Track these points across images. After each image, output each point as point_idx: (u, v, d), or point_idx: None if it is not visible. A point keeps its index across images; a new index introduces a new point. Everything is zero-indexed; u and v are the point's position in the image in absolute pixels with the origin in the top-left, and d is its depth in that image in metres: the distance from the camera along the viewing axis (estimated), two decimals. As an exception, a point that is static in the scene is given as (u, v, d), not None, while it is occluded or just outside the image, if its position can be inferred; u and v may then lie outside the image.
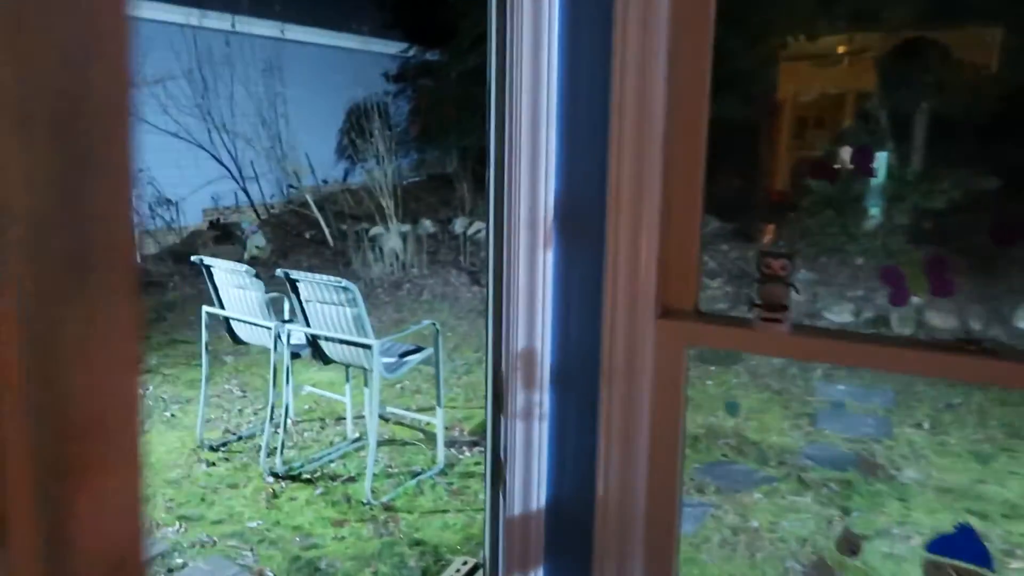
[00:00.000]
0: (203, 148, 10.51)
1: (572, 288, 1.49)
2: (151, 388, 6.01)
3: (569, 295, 1.49)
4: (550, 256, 1.48)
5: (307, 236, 10.93)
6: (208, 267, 4.68)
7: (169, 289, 9.20)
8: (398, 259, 9.41)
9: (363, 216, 10.67)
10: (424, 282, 8.88)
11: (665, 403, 1.40)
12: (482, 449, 4.92)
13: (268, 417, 4.64)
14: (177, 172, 10.19)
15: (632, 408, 1.41)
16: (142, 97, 9.44)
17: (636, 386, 1.39)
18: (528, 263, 1.46)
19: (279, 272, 4.27)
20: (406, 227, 10.11)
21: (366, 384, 4.84)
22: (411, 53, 13.47)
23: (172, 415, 5.50)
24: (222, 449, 4.92)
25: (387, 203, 10.16)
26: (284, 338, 4.44)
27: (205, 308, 4.82)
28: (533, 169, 1.46)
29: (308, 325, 4.37)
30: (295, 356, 4.63)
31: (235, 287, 4.59)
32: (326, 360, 4.49)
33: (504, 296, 1.48)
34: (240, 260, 9.86)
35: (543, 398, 1.54)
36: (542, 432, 1.53)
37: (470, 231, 10.29)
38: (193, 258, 4.79)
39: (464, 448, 4.93)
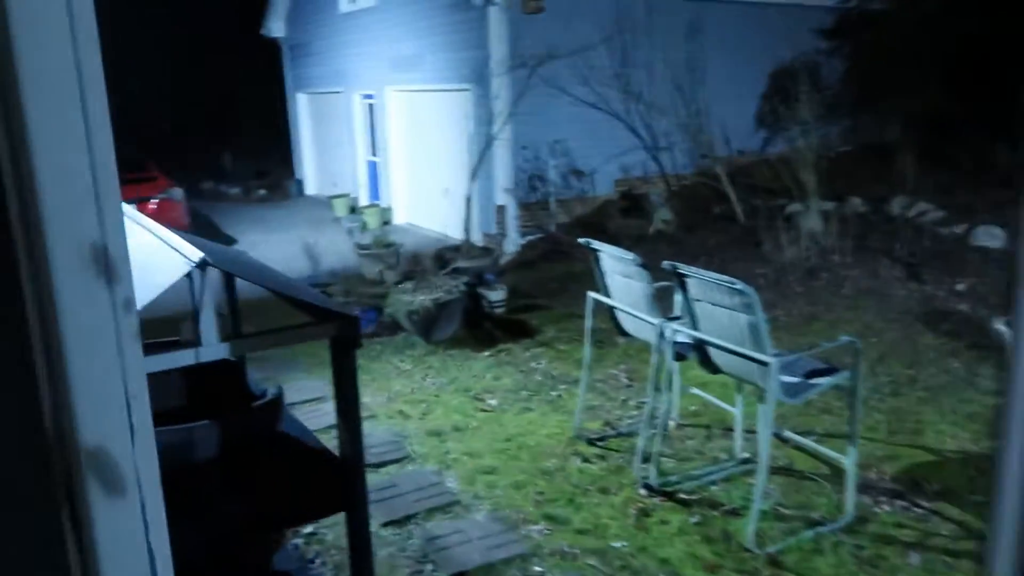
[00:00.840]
0: (619, 118, 10.46)
1: None
2: (543, 364, 6.02)
3: None
4: None
5: (715, 211, 10.26)
6: (596, 251, 4.35)
7: (575, 260, 9.36)
8: (816, 242, 8.24)
9: (779, 191, 9.62)
10: (846, 272, 7.61)
11: None
12: (907, 504, 3.83)
13: (647, 420, 4.18)
14: (593, 143, 10.30)
15: None
16: (564, 68, 9.65)
17: None
18: None
19: (666, 265, 3.73)
20: (829, 205, 8.82)
21: (760, 399, 4.09)
22: (852, 3, 11.74)
23: (558, 396, 5.40)
24: (599, 444, 4.63)
25: (808, 176, 8.97)
26: (668, 337, 3.91)
27: (590, 294, 4.53)
28: None
29: (695, 327, 3.77)
30: (680, 357, 4.08)
31: (621, 275, 4.19)
32: (713, 369, 3.86)
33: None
34: (645, 234, 9.64)
35: None
36: None
37: (911, 213, 8.60)
38: (580, 240, 4.51)
39: (882, 498, 3.90)
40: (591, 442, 4.64)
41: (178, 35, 25.04)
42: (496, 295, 7.15)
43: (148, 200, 10.07)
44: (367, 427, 5.01)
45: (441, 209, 11.38)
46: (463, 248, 7.78)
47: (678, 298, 4.53)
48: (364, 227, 11.39)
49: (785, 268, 7.98)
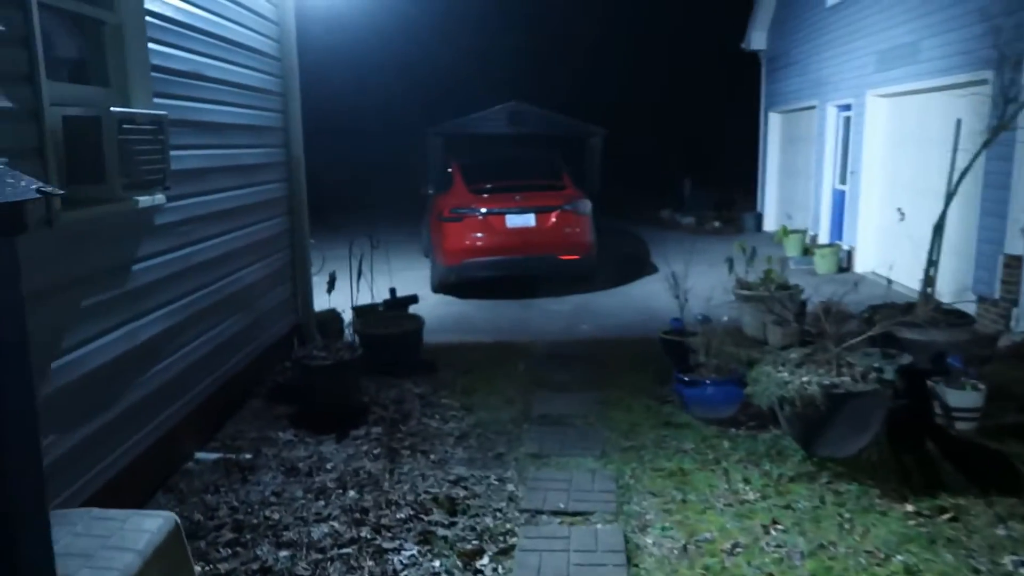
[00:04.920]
0: None
1: None
2: (1030, 567, 2.84)
3: None
4: None
5: None
6: None
7: None
8: None
9: None
10: None
11: None
12: None
13: None
14: None
15: None
16: None
17: None
18: None
19: None
20: None
21: None
22: None
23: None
24: None
25: None
26: None
27: None
28: None
29: None
30: None
31: None
32: None
33: None
34: None
35: None
36: None
37: None
38: None
39: None
40: None
41: (663, 57, 24.76)
42: (961, 398, 4.00)
43: (550, 210, 8.95)
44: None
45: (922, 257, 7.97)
46: (918, 308, 4.66)
47: None
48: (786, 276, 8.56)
49: None
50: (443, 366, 5.70)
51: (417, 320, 5.60)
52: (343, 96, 22.57)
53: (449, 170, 9.88)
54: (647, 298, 8.86)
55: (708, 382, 4.44)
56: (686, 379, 4.54)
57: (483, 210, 8.83)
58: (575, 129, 25.80)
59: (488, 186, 9.14)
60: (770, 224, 14.60)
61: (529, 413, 4.75)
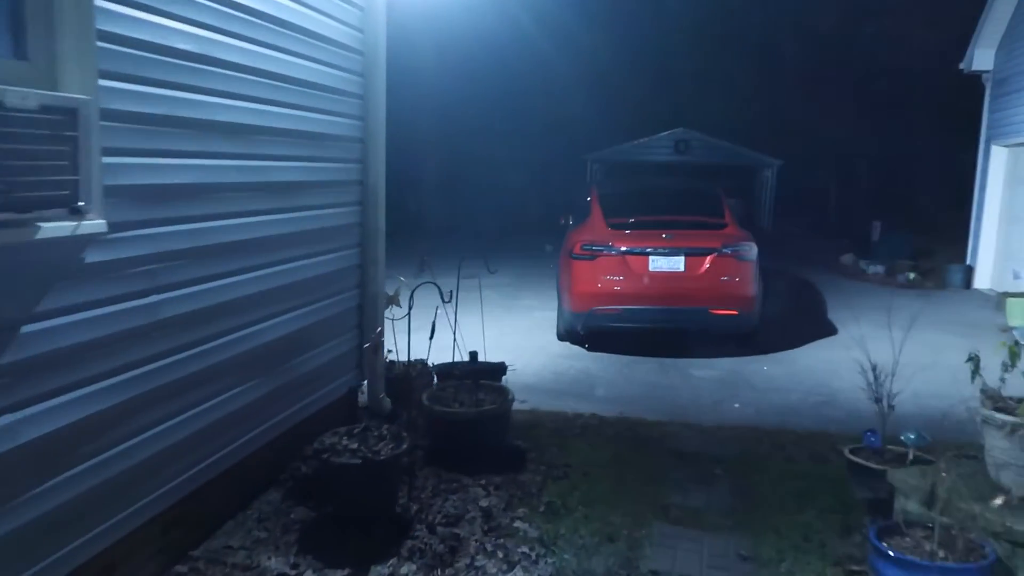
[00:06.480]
0: None
1: None
2: None
3: None
4: None
5: None
6: None
7: None
8: None
9: None
10: None
11: None
12: None
13: None
14: None
15: None
16: None
17: None
18: None
19: None
20: None
21: None
22: None
23: None
24: None
25: None
26: None
27: None
28: None
29: None
30: None
31: None
32: None
33: None
34: None
35: None
36: None
37: None
38: None
39: None
40: None
41: (851, 79, 21.99)
42: None
43: (705, 253, 7.30)
44: None
45: None
46: None
47: None
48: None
49: None
50: (533, 459, 4.26)
51: (503, 396, 4.20)
52: (495, 120, 21.78)
53: (588, 199, 8.48)
54: (822, 370, 6.98)
55: (934, 566, 2.71)
56: (891, 552, 2.83)
57: (622, 248, 7.33)
58: (746, 159, 23.61)
59: (631, 220, 7.65)
60: (983, 281, 12.00)
61: (636, 564, 3.21)
